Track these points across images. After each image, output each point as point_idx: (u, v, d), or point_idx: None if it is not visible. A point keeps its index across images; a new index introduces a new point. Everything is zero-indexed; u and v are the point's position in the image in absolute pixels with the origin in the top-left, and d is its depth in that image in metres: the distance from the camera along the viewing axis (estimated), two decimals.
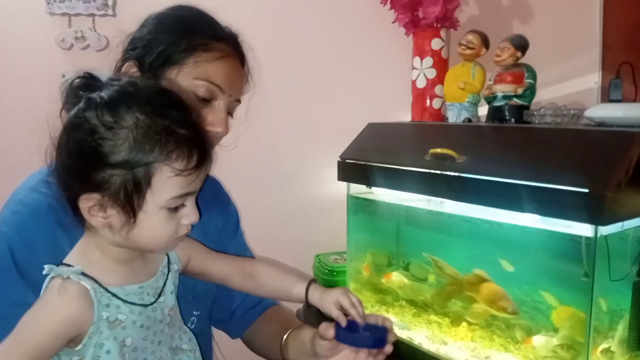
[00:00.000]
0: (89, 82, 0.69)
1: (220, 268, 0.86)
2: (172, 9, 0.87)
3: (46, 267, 0.67)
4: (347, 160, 1.35)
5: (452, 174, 1.08)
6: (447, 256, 1.28)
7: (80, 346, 0.66)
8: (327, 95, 1.71)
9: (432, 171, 1.12)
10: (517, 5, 1.57)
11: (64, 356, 0.68)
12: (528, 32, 1.21)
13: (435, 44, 1.37)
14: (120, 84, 0.68)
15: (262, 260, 0.91)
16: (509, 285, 1.13)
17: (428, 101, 1.39)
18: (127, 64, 0.86)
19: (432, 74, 1.38)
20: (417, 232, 1.42)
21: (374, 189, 1.34)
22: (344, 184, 1.39)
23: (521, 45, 1.16)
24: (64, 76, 1.74)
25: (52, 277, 0.67)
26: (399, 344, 1.23)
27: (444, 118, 1.38)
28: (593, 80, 1.49)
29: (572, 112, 1.11)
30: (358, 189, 1.38)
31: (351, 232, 1.42)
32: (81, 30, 1.68)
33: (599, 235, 0.88)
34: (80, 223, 0.69)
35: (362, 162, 1.30)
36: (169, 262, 0.79)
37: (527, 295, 1.11)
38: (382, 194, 1.37)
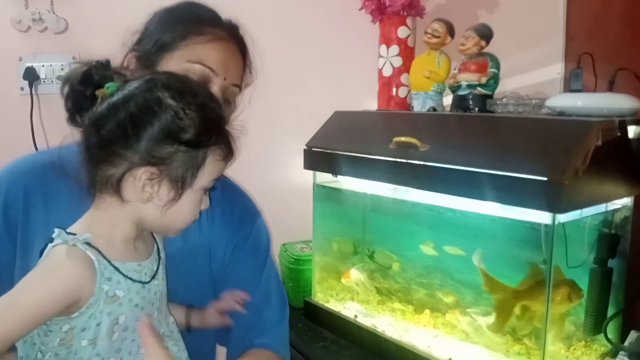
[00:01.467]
0: (101, 70, 0.70)
1: None
2: (175, 4, 0.87)
3: (56, 230, 0.66)
4: (313, 149, 1.34)
5: (415, 162, 1.08)
6: (411, 244, 1.29)
7: (76, 314, 0.66)
8: (293, 83, 1.69)
9: (397, 159, 1.12)
10: None
11: (53, 323, 0.66)
12: (493, 21, 1.21)
13: (402, 32, 1.36)
14: (159, 75, 0.71)
15: None
16: (470, 273, 1.14)
17: (394, 89, 1.39)
18: (128, 56, 0.86)
19: (398, 62, 1.37)
20: (383, 220, 1.42)
21: (339, 177, 1.34)
22: (310, 172, 1.38)
23: (485, 34, 1.17)
24: (20, 59, 1.68)
25: (55, 245, 0.66)
26: (364, 332, 1.24)
27: (409, 107, 1.38)
28: (556, 70, 1.50)
29: (534, 101, 1.12)
30: (324, 178, 1.37)
31: (317, 220, 1.41)
32: (39, 12, 1.62)
33: (556, 222, 0.90)
34: (92, 196, 0.70)
35: (328, 151, 1.30)
36: (158, 249, 0.78)
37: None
38: (348, 183, 1.36)
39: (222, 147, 0.71)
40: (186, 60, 0.80)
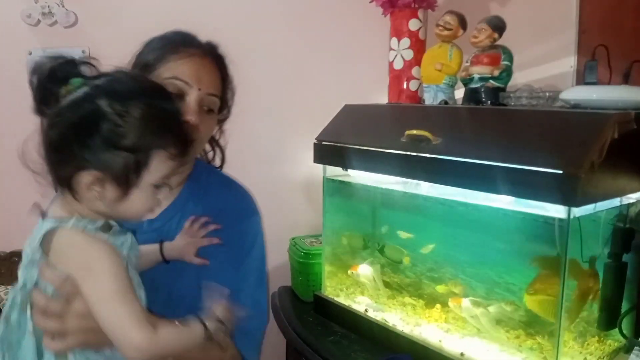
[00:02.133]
0: (67, 67, 0.72)
1: None
2: (167, 32, 0.97)
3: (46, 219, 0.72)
4: (323, 142, 1.33)
5: (427, 155, 1.07)
6: (422, 238, 1.28)
7: None
8: (303, 76, 1.68)
9: (408, 153, 1.11)
10: None
11: None
12: (505, 13, 1.20)
13: (413, 24, 1.35)
14: (115, 75, 0.74)
15: None
16: (482, 267, 1.14)
17: (405, 83, 1.37)
18: None
19: (409, 55, 1.36)
20: (393, 214, 1.41)
21: (350, 171, 1.33)
22: (320, 166, 1.37)
23: (498, 26, 1.15)
24: (30, 53, 1.68)
25: (51, 229, 0.71)
26: (374, 326, 1.24)
27: (420, 100, 1.37)
28: (569, 63, 1.49)
29: (547, 94, 1.11)
30: (334, 171, 1.37)
31: (327, 214, 1.41)
32: (48, 6, 1.62)
33: (572, 216, 0.89)
34: (56, 190, 0.75)
35: (338, 144, 1.29)
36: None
37: (500, 277, 1.12)
38: (359, 176, 1.36)
39: (168, 149, 0.72)
40: (163, 77, 0.89)
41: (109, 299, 0.69)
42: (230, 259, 0.97)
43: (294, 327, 1.37)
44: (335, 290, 1.42)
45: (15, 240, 1.71)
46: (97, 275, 0.70)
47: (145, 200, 0.74)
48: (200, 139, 0.94)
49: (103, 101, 0.69)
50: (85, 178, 0.70)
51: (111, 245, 0.72)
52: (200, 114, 0.91)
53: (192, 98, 0.90)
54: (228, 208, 1.00)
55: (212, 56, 0.95)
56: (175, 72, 0.89)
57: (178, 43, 0.92)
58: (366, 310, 1.29)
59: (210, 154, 1.09)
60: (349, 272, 1.37)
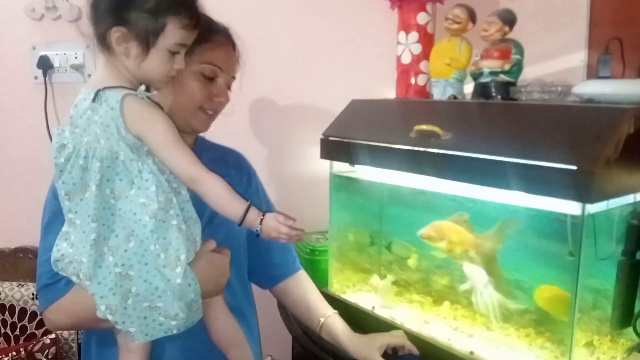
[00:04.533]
0: None
1: None
2: None
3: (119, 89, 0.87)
4: (330, 138, 1.31)
5: (437, 151, 1.05)
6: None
7: None
8: (310, 71, 1.67)
9: (417, 148, 1.09)
10: None
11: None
12: (515, 6, 1.17)
13: (421, 18, 1.33)
14: None
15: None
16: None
17: (413, 77, 1.36)
18: None
19: (417, 49, 1.34)
20: (400, 211, 1.40)
21: (357, 167, 1.31)
22: (327, 162, 1.36)
23: (509, 19, 1.13)
24: (34, 48, 1.67)
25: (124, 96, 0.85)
26: (382, 324, 1.22)
27: (429, 95, 1.35)
28: (579, 58, 1.47)
29: (559, 88, 1.09)
30: (341, 167, 1.35)
31: (334, 211, 1.39)
32: (52, 0, 1.61)
33: (586, 213, 0.87)
34: (101, 51, 0.90)
35: (346, 140, 1.27)
36: None
37: (511, 275, 1.10)
38: (365, 172, 1.34)
39: (181, 18, 0.87)
40: (201, 62, 1.01)
41: (166, 143, 0.87)
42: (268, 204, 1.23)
43: (300, 324, 1.35)
44: (342, 287, 1.41)
45: (19, 236, 1.70)
46: (155, 126, 0.86)
47: (161, 62, 0.89)
48: (222, 110, 1.08)
49: None
50: (115, 33, 0.86)
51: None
52: (227, 94, 1.07)
53: (222, 81, 1.05)
54: (240, 169, 1.20)
55: (231, 42, 1.08)
56: (212, 59, 1.02)
57: (208, 30, 1.02)
58: (373, 307, 1.28)
59: None
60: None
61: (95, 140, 0.86)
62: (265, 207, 1.17)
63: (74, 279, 0.92)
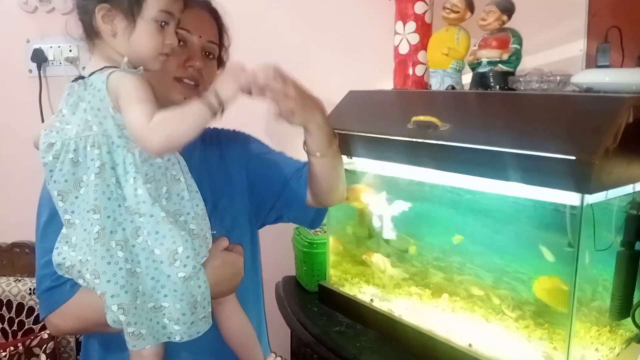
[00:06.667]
0: None
1: None
2: None
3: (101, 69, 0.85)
4: None
5: (435, 142, 1.04)
6: (431, 227, 1.26)
7: None
8: (306, 62, 1.65)
9: (415, 140, 1.08)
10: None
11: None
12: None
13: (419, 7, 1.31)
14: None
15: None
16: (491, 256, 1.11)
17: (411, 68, 1.34)
18: None
19: (415, 39, 1.32)
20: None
21: (355, 159, 1.30)
22: None
23: (507, 8, 1.12)
24: (28, 41, 1.65)
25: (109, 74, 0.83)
26: (380, 316, 1.22)
27: (427, 85, 1.33)
28: (578, 47, 1.45)
29: (558, 78, 1.08)
30: None
31: None
32: None
33: (585, 204, 0.86)
34: (88, 43, 0.89)
35: (343, 132, 1.26)
36: None
37: (509, 266, 1.10)
38: (363, 164, 1.33)
39: None
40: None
41: (129, 102, 0.82)
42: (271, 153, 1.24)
43: (298, 318, 1.35)
44: (340, 280, 1.40)
45: (16, 231, 1.69)
46: (125, 86, 0.82)
47: (150, 34, 0.86)
48: (204, 82, 1.03)
49: None
50: (100, 12, 0.84)
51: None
52: (203, 59, 1.03)
53: (194, 44, 1.02)
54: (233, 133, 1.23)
55: (207, 9, 1.07)
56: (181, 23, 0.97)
57: None
58: (372, 300, 1.28)
59: None
60: (363, 257, 1.35)
61: (87, 128, 0.83)
62: (266, 151, 1.22)
63: (80, 282, 0.88)
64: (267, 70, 0.88)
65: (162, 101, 0.92)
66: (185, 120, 0.83)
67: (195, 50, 1.02)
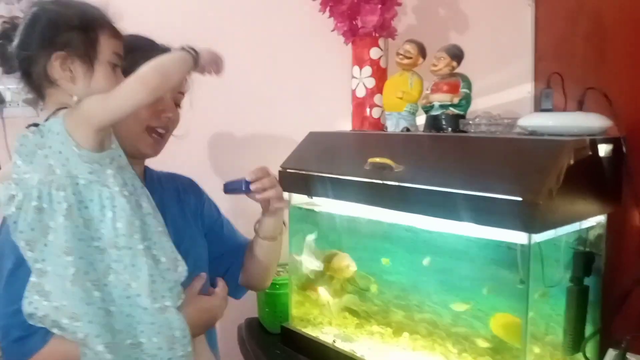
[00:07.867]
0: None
1: None
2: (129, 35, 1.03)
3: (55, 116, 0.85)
4: (288, 170, 1.32)
5: (390, 183, 1.07)
6: (390, 265, 1.28)
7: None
8: (267, 103, 1.68)
9: (371, 180, 1.11)
10: (453, 16, 1.60)
11: None
12: (464, 42, 1.22)
13: (374, 53, 1.37)
14: None
15: None
16: (448, 294, 1.13)
17: (368, 110, 1.39)
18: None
19: (371, 83, 1.37)
20: (359, 241, 1.40)
21: (315, 198, 1.32)
22: (286, 194, 1.36)
23: (456, 55, 1.18)
24: None
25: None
26: (342, 357, 1.21)
27: (383, 127, 1.38)
28: (526, 89, 1.53)
29: (505, 121, 1.13)
30: (300, 199, 1.35)
31: (293, 243, 1.39)
32: None
33: (532, 242, 0.89)
34: (42, 98, 0.89)
35: (303, 172, 1.28)
36: None
37: (466, 303, 1.11)
38: (325, 204, 1.35)
39: (107, 27, 0.89)
40: None
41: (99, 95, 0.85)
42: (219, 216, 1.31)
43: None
44: (302, 321, 1.39)
45: None
46: (82, 103, 0.85)
47: (107, 76, 0.87)
48: (171, 130, 1.10)
49: (44, 5, 0.86)
50: (56, 60, 0.84)
51: None
52: (174, 109, 1.09)
53: (169, 97, 1.07)
54: (195, 185, 1.28)
55: None
56: None
57: (148, 48, 1.03)
58: (334, 340, 1.27)
59: None
60: (307, 292, 1.37)
61: (50, 172, 0.82)
62: (216, 214, 1.28)
63: (54, 331, 0.84)
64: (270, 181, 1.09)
65: (128, 148, 0.95)
66: (171, 58, 0.89)
67: (170, 102, 1.07)
